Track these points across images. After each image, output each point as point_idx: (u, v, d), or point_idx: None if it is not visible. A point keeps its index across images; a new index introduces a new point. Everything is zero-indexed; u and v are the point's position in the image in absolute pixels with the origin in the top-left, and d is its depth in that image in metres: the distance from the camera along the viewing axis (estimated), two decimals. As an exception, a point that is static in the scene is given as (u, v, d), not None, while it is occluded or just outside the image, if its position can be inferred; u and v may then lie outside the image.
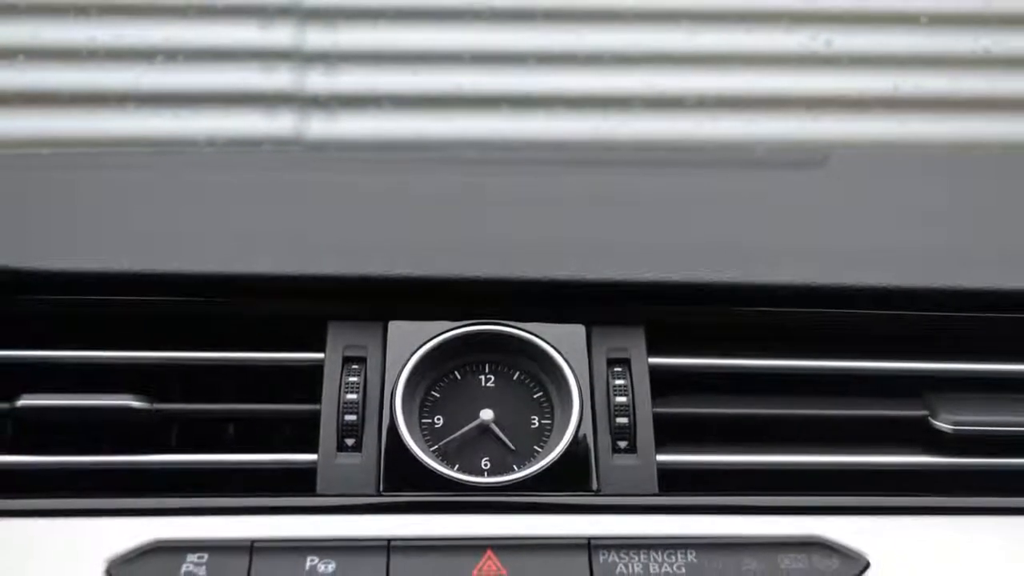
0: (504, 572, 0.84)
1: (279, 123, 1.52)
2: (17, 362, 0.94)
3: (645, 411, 0.92)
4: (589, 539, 0.86)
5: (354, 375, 0.93)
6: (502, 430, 0.92)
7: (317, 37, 1.55)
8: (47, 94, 1.51)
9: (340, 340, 0.95)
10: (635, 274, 0.96)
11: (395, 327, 0.95)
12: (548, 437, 0.92)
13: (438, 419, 0.93)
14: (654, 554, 0.85)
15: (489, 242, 1.01)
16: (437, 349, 0.94)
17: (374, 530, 0.86)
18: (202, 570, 0.83)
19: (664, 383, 0.95)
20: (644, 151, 1.50)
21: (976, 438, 0.93)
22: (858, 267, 0.98)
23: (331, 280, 0.96)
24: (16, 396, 0.91)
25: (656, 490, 0.90)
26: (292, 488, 0.90)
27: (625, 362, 0.95)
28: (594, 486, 0.90)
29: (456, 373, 0.95)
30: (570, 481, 0.90)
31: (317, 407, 0.92)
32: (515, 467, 0.90)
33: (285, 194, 1.08)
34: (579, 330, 0.95)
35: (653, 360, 0.95)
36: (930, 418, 0.94)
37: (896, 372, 0.97)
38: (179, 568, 0.83)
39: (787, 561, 0.85)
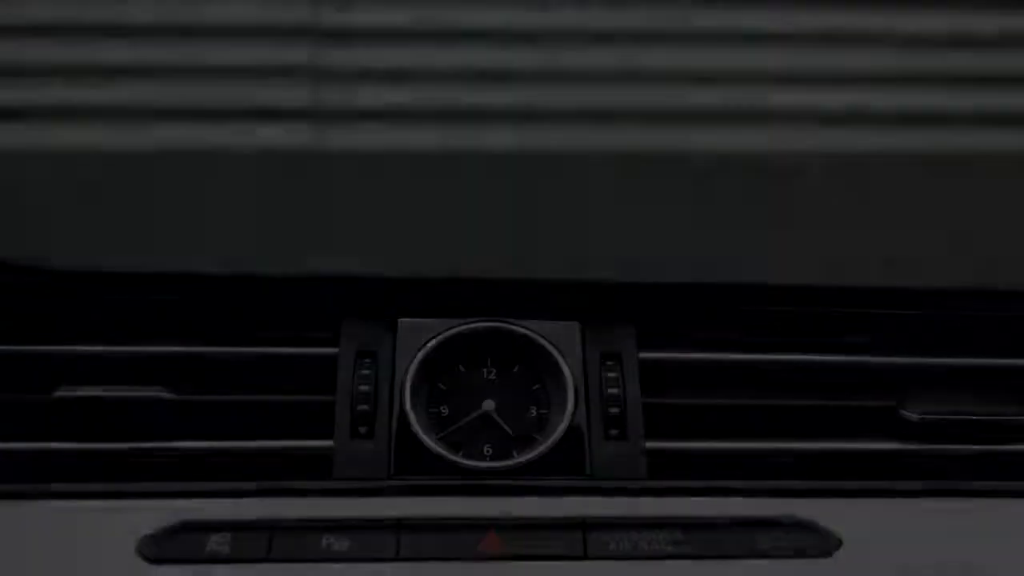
0: (505, 549, 0.84)
1: (297, 134, 1.52)
2: (55, 356, 0.94)
3: (635, 402, 0.93)
4: (583, 519, 0.86)
5: (366, 368, 0.93)
6: (503, 419, 0.92)
7: (332, 56, 1.55)
8: (80, 108, 1.52)
9: (353, 336, 0.95)
10: (626, 276, 0.97)
11: (404, 324, 0.95)
12: (545, 426, 0.92)
13: (444, 409, 0.93)
14: (643, 533, 0.85)
15: (491, 246, 1.01)
16: (443, 344, 0.94)
17: (385, 511, 0.86)
18: (225, 548, 0.83)
19: (653, 376, 0.95)
20: (634, 161, 1.50)
21: (941, 426, 0.94)
22: (832, 269, 0.99)
23: (345, 280, 0.97)
24: (54, 387, 0.91)
25: (645, 475, 0.90)
26: (309, 473, 0.90)
27: (617, 357, 0.95)
28: (588, 471, 0.90)
29: (461, 366, 0.95)
30: (565, 466, 0.90)
31: (332, 398, 0.92)
32: (515, 453, 0.90)
33: (301, 201, 1.08)
34: (574, 327, 0.96)
35: (643, 355, 0.95)
36: (899, 408, 0.95)
37: (868, 365, 0.97)
38: (204, 546, 0.83)
39: (766, 539, 0.85)
